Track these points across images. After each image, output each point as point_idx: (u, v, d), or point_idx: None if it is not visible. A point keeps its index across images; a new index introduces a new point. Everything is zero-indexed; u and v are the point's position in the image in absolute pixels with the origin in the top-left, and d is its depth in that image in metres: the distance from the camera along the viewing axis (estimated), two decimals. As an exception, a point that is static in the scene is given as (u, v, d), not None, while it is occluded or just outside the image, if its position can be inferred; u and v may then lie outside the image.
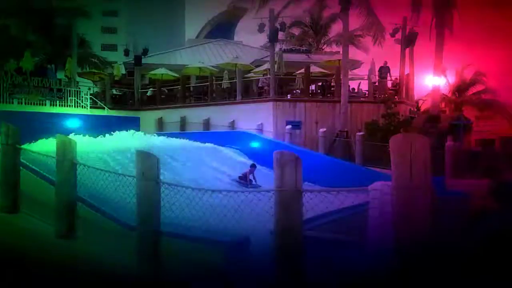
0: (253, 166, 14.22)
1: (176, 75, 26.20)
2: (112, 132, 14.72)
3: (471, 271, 4.17)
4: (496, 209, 7.61)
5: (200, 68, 26.41)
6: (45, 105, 19.22)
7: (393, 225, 3.62)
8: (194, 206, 5.62)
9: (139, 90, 25.94)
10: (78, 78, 24.50)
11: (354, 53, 26.21)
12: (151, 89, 26.43)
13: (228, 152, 16.89)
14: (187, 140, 17.22)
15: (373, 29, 24.59)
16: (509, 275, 4.12)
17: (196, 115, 22.88)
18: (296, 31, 36.16)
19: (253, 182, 13.71)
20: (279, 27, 23.84)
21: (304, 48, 31.79)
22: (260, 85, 23.53)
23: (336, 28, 33.12)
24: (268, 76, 22.46)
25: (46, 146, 9.84)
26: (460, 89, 34.42)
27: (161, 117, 23.85)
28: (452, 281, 3.90)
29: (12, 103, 18.12)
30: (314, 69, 23.92)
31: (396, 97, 22.97)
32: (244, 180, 13.50)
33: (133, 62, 27.31)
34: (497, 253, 4.59)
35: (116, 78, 27.83)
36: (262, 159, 15.73)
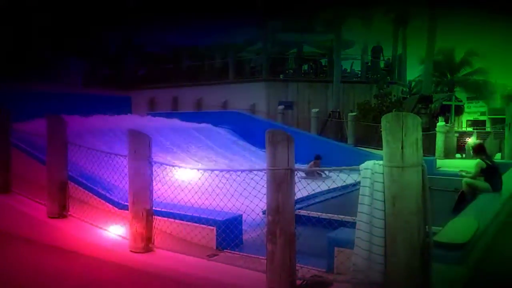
0: (317, 158, 12.48)
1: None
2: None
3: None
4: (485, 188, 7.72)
5: (192, 47, 26.11)
6: (36, 83, 18.97)
7: (384, 204, 3.65)
8: (186, 185, 5.63)
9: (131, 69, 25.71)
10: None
11: (347, 33, 26.01)
12: (142, 68, 26.18)
13: (220, 132, 16.86)
14: (179, 120, 17.15)
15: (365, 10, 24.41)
16: None
17: (188, 95, 22.73)
18: (288, 9, 35.73)
19: (323, 175, 11.86)
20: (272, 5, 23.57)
21: (297, 28, 31.48)
22: (252, 64, 23.39)
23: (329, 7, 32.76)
24: (261, 55, 22.31)
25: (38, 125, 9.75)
26: (451, 69, 34.46)
27: (153, 97, 23.68)
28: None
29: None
30: (307, 49, 23.77)
31: (388, 77, 22.96)
32: (310, 174, 11.43)
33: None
34: None
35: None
36: (254, 139, 15.76)
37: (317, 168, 11.16)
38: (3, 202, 7.11)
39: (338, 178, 4.53)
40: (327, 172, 11.60)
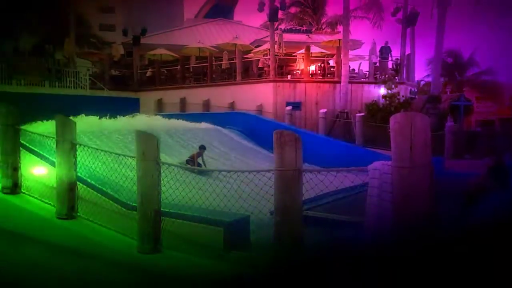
0: (201, 148, 12.63)
1: (175, 55, 26.04)
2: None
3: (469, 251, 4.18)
4: (493, 189, 7.63)
5: (199, 48, 26.22)
6: (44, 86, 19.13)
7: (392, 204, 3.63)
8: (194, 185, 5.63)
9: (138, 71, 25.80)
10: (76, 59, 24.33)
11: (355, 33, 25.97)
12: (150, 69, 26.26)
13: (228, 133, 16.88)
14: (187, 121, 17.20)
15: (372, 10, 24.37)
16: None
17: (195, 96, 22.78)
18: (295, 10, 35.82)
19: (202, 166, 11.68)
20: (279, 6, 23.58)
21: (304, 28, 31.51)
22: (260, 65, 23.39)
23: (335, 8, 32.78)
24: (268, 56, 22.30)
25: (45, 127, 9.81)
26: (460, 69, 34.25)
27: (161, 98, 23.77)
28: (450, 260, 3.92)
29: (11, 84, 18.03)
30: (314, 49, 23.73)
31: (396, 77, 22.85)
32: (192, 163, 11.62)
33: (131, 42, 27.11)
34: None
35: (115, 59, 27.64)
36: (262, 140, 15.76)
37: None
38: (12, 203, 7.17)
39: (346, 179, 4.50)
40: (205, 165, 11.58)
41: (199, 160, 12.06)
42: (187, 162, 11.77)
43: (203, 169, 10.77)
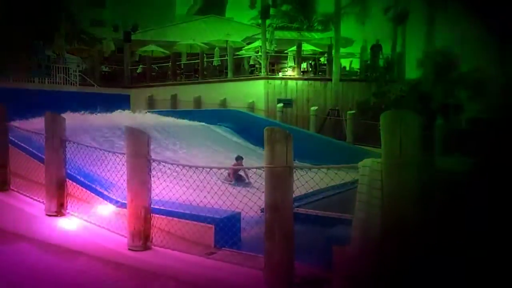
0: (239, 159, 10.84)
1: (166, 52, 25.91)
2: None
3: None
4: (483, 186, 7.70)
5: (190, 45, 26.12)
6: (34, 82, 18.96)
7: (381, 201, 3.65)
8: (184, 183, 5.62)
9: (129, 67, 25.64)
10: (66, 55, 24.11)
11: (346, 31, 25.91)
12: (141, 66, 26.11)
13: (219, 130, 16.85)
14: (178, 118, 17.14)
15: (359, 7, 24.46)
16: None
17: (187, 92, 22.69)
18: (286, 8, 35.77)
19: (245, 180, 10.21)
20: (270, 3, 23.54)
21: (296, 26, 31.48)
22: (251, 62, 23.35)
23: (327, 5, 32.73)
24: (260, 53, 22.27)
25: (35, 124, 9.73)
26: (450, 68, 34.44)
27: (152, 95, 23.65)
28: (439, 259, 3.95)
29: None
30: (305, 46, 23.72)
31: (387, 75, 22.93)
32: (232, 178, 10.05)
33: (122, 38, 26.92)
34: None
35: (105, 55, 27.44)
36: (253, 137, 15.74)
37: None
38: (1, 200, 7.10)
39: (336, 176, 4.52)
40: (248, 179, 10.08)
41: (240, 172, 10.47)
42: (227, 178, 9.96)
43: (193, 166, 10.60)
